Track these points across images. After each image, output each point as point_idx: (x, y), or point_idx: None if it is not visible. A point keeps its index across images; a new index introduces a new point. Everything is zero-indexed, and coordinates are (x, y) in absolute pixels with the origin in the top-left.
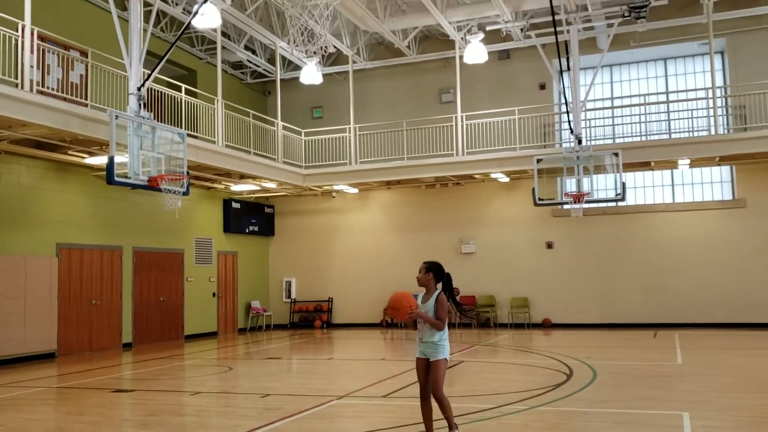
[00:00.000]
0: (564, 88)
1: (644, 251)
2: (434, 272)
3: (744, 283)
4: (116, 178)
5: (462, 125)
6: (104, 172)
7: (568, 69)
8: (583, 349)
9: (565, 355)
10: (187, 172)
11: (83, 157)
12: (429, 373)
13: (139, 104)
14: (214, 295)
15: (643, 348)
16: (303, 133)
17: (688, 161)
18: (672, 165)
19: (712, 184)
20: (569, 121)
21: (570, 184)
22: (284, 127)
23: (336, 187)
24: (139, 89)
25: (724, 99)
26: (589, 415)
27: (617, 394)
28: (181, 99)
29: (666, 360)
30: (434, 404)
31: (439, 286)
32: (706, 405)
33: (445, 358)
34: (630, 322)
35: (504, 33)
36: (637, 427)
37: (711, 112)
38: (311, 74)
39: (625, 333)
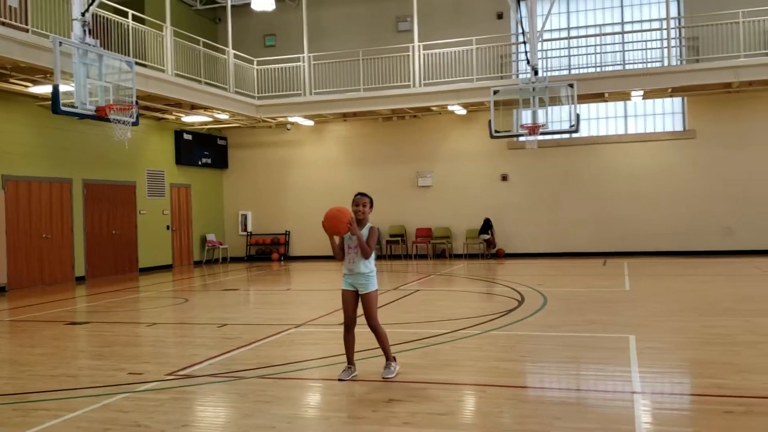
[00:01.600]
0: (521, 17)
1: (596, 182)
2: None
3: (691, 213)
4: (62, 108)
5: (419, 55)
6: (50, 102)
7: None
8: (535, 277)
9: (517, 282)
10: (137, 102)
11: (26, 86)
12: (356, 306)
13: (84, 30)
14: (168, 227)
15: (593, 275)
16: (255, 62)
17: (641, 93)
18: (625, 96)
19: (664, 115)
20: (526, 52)
21: (526, 116)
22: (236, 56)
23: (291, 119)
24: (83, 14)
25: (678, 30)
26: (539, 338)
27: (567, 319)
28: (128, 26)
29: (614, 287)
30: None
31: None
32: (651, 328)
33: (376, 290)
34: (581, 251)
35: None
36: (585, 349)
37: (665, 43)
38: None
39: (576, 261)
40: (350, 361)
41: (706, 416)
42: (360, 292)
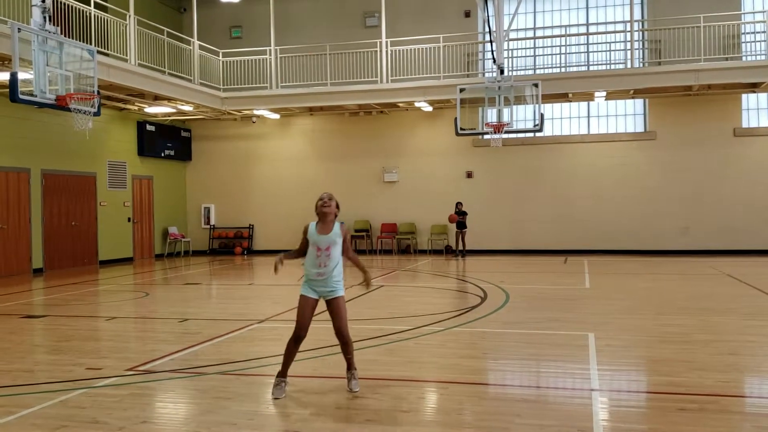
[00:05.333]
0: (488, 16)
1: (559, 181)
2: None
3: (649, 212)
4: (21, 96)
5: (387, 51)
6: (7, 89)
7: None
8: (498, 274)
9: (480, 279)
10: (98, 92)
11: None
12: (312, 315)
13: (44, 17)
14: (129, 220)
15: (554, 273)
16: (221, 54)
17: (604, 93)
18: (589, 97)
19: (626, 116)
20: (492, 51)
21: (491, 115)
22: (201, 47)
23: (256, 112)
24: (43, 0)
25: (641, 33)
26: (501, 335)
27: (528, 316)
28: (90, 13)
29: (575, 284)
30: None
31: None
32: (609, 326)
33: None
34: (543, 249)
35: None
36: (546, 346)
37: (628, 45)
38: None
39: (538, 259)
40: (286, 374)
41: (661, 413)
42: (327, 298)
